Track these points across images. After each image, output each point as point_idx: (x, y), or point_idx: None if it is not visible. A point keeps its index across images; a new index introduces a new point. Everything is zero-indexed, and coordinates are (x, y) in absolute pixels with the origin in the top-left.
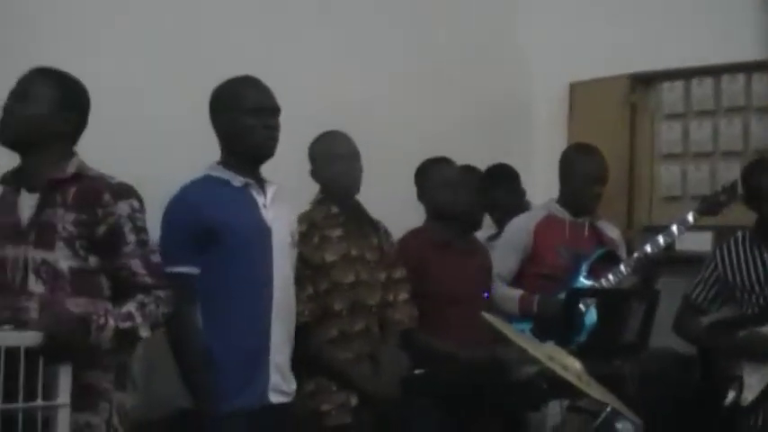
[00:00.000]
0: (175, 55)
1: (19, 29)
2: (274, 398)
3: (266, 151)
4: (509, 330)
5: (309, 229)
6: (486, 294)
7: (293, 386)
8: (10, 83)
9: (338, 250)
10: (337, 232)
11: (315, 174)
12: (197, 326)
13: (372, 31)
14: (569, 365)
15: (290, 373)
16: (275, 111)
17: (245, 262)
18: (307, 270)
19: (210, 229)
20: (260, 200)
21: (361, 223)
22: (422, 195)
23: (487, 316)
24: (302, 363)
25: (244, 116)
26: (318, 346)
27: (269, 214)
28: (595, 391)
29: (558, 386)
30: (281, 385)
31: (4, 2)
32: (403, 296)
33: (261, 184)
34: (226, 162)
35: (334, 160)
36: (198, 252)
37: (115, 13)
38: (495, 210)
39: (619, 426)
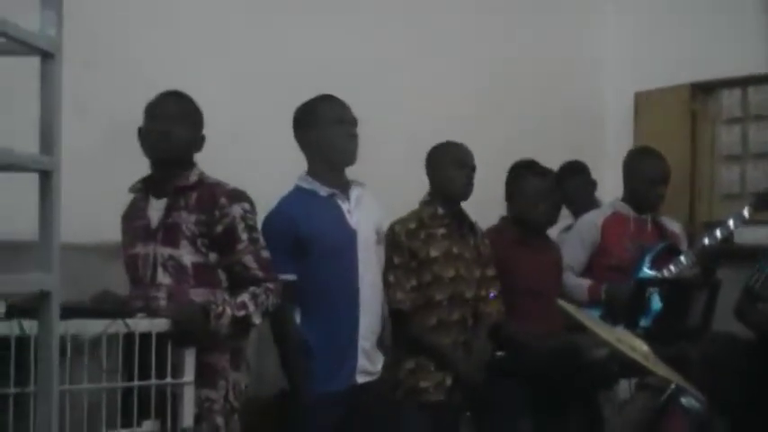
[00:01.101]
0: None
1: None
2: (361, 378)
3: (350, 158)
4: (583, 316)
5: (418, 227)
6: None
7: (379, 365)
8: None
9: (441, 247)
10: (441, 231)
11: (429, 175)
12: (294, 322)
13: (460, 51)
14: (637, 347)
15: (377, 354)
16: (354, 122)
17: (334, 266)
18: (413, 263)
19: (303, 239)
20: (344, 206)
21: (462, 225)
22: (510, 198)
23: (563, 303)
24: (404, 345)
25: (329, 128)
26: (420, 330)
27: (353, 219)
28: (661, 369)
29: (627, 366)
30: (367, 367)
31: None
32: (493, 292)
33: (346, 189)
34: (313, 172)
35: (449, 167)
36: (293, 260)
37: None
38: (570, 202)
39: (684, 401)
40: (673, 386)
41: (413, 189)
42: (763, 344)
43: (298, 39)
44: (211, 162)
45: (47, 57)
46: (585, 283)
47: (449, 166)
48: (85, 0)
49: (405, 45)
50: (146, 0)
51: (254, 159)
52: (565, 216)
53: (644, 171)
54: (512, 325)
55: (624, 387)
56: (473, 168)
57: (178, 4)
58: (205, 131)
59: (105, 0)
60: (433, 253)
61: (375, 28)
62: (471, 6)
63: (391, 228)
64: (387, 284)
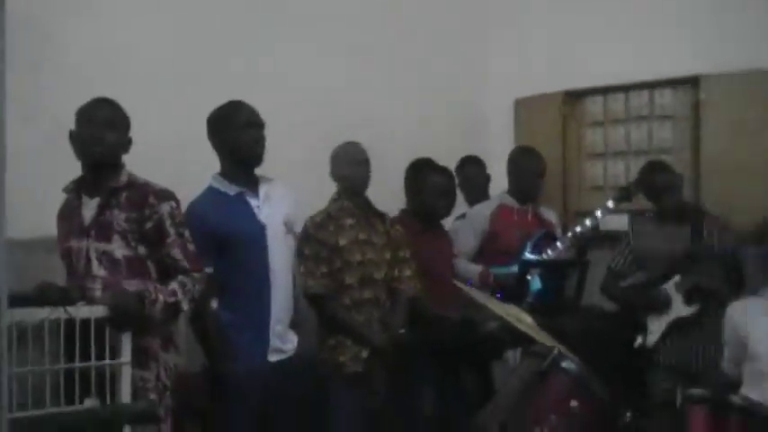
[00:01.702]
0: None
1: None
2: (274, 357)
3: (257, 159)
4: (478, 295)
5: (324, 220)
6: (469, 282)
7: (290, 345)
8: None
9: (349, 236)
10: (350, 221)
11: (333, 174)
12: (213, 309)
13: (364, 60)
14: (523, 320)
15: (288, 335)
16: (261, 125)
17: (246, 257)
18: (323, 252)
19: (216, 235)
20: (253, 203)
21: (368, 214)
22: (411, 193)
23: (461, 285)
24: (324, 325)
25: (238, 132)
26: (335, 311)
27: (262, 213)
28: (544, 338)
29: (516, 336)
30: (279, 346)
31: None
32: (407, 272)
33: (255, 186)
34: (224, 173)
35: (349, 165)
36: (209, 255)
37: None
38: (467, 191)
39: (564, 364)
40: (554, 352)
41: (316, 186)
42: (624, 314)
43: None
44: (147, 164)
45: None
46: (476, 269)
47: (345, 165)
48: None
49: (314, 54)
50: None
51: (189, 162)
52: (459, 203)
53: (525, 166)
54: (424, 301)
55: (513, 355)
56: (368, 163)
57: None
58: (146, 133)
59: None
60: (342, 241)
61: (278, 41)
62: (375, 17)
63: (304, 223)
64: (300, 273)
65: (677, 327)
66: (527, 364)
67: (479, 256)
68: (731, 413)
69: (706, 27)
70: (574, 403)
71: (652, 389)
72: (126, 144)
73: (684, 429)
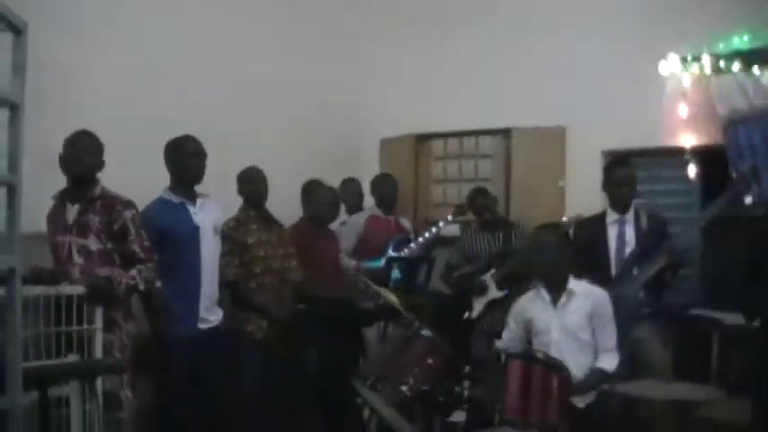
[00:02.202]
0: None
1: None
2: (202, 325)
3: (197, 180)
4: (361, 279)
5: (236, 224)
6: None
7: (215, 317)
8: None
9: (255, 236)
10: (254, 226)
11: (239, 191)
12: (158, 287)
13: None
14: (392, 299)
15: (214, 310)
16: (204, 156)
17: (184, 251)
18: (236, 248)
19: (162, 233)
20: (191, 210)
21: (267, 221)
22: (305, 204)
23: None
24: (237, 304)
25: (185, 159)
26: (245, 293)
27: (197, 218)
28: (408, 313)
29: (388, 312)
30: (206, 318)
31: None
32: (293, 263)
33: (194, 198)
34: (172, 187)
35: (248, 183)
36: (157, 247)
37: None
38: (346, 203)
39: (423, 332)
40: (416, 324)
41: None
42: (457, 297)
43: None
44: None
45: (13, 108)
46: (353, 262)
47: (246, 184)
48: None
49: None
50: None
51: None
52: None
53: (388, 187)
54: (311, 285)
55: (379, 325)
56: (265, 182)
57: None
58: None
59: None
60: (250, 240)
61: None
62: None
63: (221, 226)
64: (220, 265)
65: (492, 305)
66: (397, 332)
67: (355, 253)
68: (535, 363)
69: (517, 90)
70: (430, 360)
71: (475, 347)
72: (100, 165)
73: (505, 375)
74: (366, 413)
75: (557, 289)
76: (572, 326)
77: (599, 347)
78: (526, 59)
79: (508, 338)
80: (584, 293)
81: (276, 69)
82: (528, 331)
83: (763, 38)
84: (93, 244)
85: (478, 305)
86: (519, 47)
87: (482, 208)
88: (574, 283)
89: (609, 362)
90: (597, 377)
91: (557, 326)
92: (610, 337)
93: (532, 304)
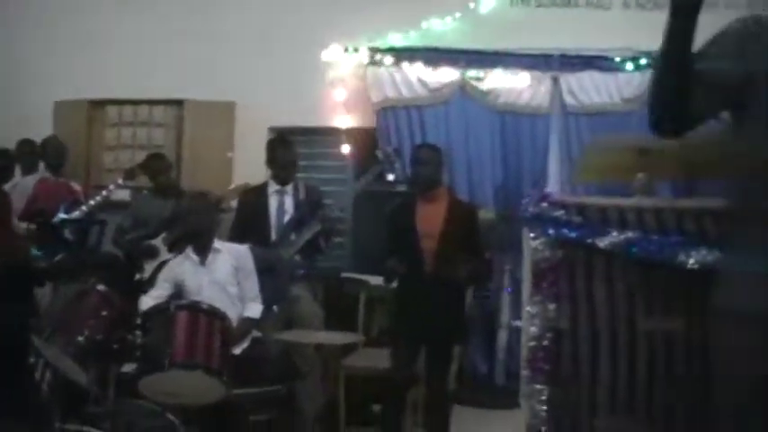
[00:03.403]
0: None
1: None
2: None
3: None
4: None
5: None
6: None
7: None
8: None
9: None
10: None
11: None
12: None
13: None
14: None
15: None
16: None
17: None
18: None
19: None
20: None
21: None
22: None
23: None
24: None
25: None
26: None
27: None
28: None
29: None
30: None
31: None
32: None
33: None
34: None
35: None
36: None
37: None
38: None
39: (98, 287)
40: (91, 279)
41: None
42: (129, 259)
43: None
44: None
45: None
46: (24, 224)
47: None
48: None
49: None
50: None
51: None
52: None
53: (55, 149)
54: None
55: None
56: None
57: None
58: None
59: None
60: None
61: None
62: None
63: None
64: None
65: (160, 267)
66: (71, 287)
67: (26, 213)
68: (200, 313)
69: (190, 64)
70: (104, 312)
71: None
72: None
73: (173, 324)
74: (38, 374)
75: (204, 250)
76: (220, 279)
77: (245, 297)
78: (200, 34)
79: (156, 296)
80: (228, 250)
81: None
82: (179, 292)
83: (412, 39)
84: None
85: (149, 267)
86: (194, 22)
87: (157, 172)
88: (218, 243)
89: (254, 310)
90: (246, 325)
91: (207, 282)
92: (253, 287)
93: (182, 266)
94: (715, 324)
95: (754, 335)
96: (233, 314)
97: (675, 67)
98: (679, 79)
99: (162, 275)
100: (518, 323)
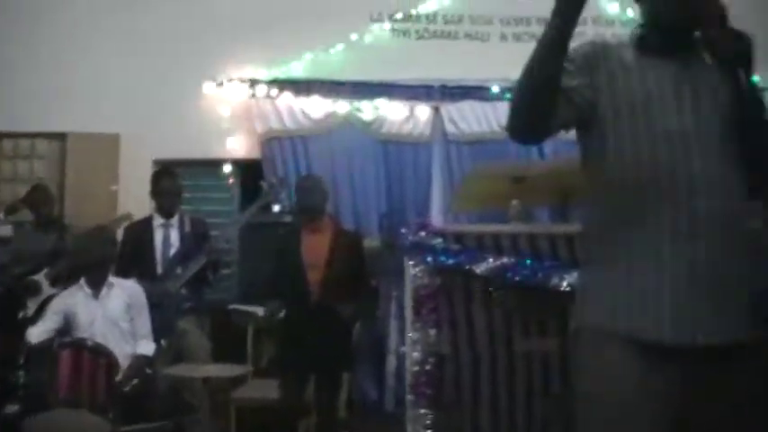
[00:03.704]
0: None
1: None
2: None
3: None
4: None
5: None
6: None
7: None
8: None
9: None
10: None
11: None
12: None
13: None
14: None
15: None
16: None
17: None
18: None
19: None
20: None
21: None
22: None
23: None
24: None
25: None
26: None
27: None
28: None
29: None
30: None
31: None
32: None
33: None
34: None
35: None
36: None
37: None
38: None
39: None
40: None
41: None
42: (10, 296)
43: None
44: None
45: None
46: None
47: None
48: None
49: None
50: None
51: None
52: None
53: None
54: None
55: None
56: None
57: None
58: None
59: None
60: None
61: None
62: None
63: None
64: None
65: (45, 302)
66: None
67: None
68: (84, 350)
69: (74, 97)
70: None
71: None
72: None
73: (57, 362)
74: None
75: (98, 283)
76: (113, 315)
77: (137, 334)
78: (83, 66)
79: (42, 330)
80: (120, 285)
81: None
82: (69, 325)
83: (295, 70)
84: None
85: (33, 304)
86: (75, 53)
87: (39, 204)
88: (112, 278)
89: (147, 347)
90: (140, 363)
91: (100, 316)
92: (145, 323)
93: (74, 298)
94: (572, 342)
95: (610, 353)
96: (125, 350)
97: (547, 70)
98: (549, 84)
99: (52, 307)
100: (404, 349)
